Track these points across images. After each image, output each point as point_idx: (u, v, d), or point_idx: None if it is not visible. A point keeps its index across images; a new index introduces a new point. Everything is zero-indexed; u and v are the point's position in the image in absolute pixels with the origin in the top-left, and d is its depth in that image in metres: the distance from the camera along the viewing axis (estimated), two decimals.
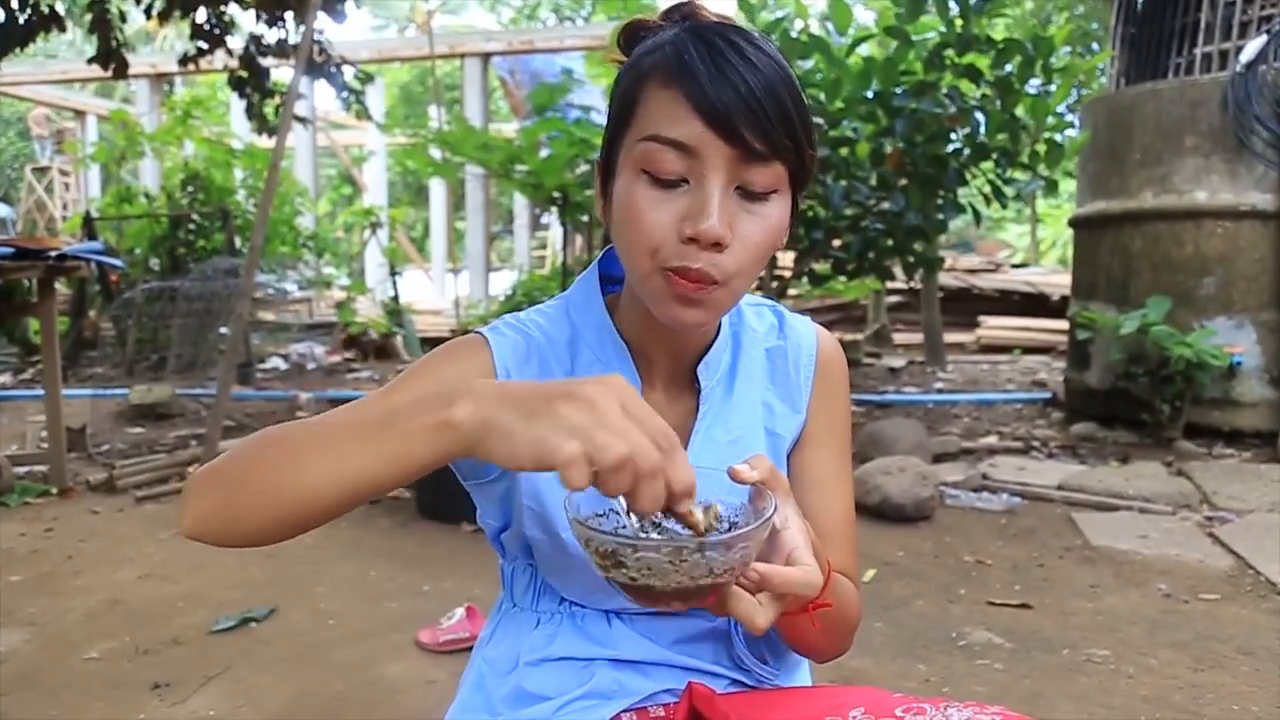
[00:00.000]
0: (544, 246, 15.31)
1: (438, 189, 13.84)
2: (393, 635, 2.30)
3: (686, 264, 0.72)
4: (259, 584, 2.66)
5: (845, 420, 0.94)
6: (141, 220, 7.84)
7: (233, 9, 5.70)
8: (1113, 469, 3.89)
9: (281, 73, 6.14)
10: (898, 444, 3.87)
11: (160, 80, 12.82)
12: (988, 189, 4.23)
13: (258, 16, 5.69)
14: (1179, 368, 4.10)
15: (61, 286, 6.89)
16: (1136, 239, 4.59)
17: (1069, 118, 4.61)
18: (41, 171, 13.47)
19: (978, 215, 4.40)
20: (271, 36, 5.75)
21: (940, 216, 4.29)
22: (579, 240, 6.56)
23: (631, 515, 0.61)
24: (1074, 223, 5.22)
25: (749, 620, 0.66)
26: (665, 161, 0.72)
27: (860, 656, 2.12)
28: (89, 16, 5.22)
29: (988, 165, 4.20)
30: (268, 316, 9.16)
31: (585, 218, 5.46)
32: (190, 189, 8.02)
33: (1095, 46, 12.88)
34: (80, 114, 14.40)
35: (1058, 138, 4.14)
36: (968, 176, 4.20)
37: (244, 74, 5.83)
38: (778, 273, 4.89)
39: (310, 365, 7.44)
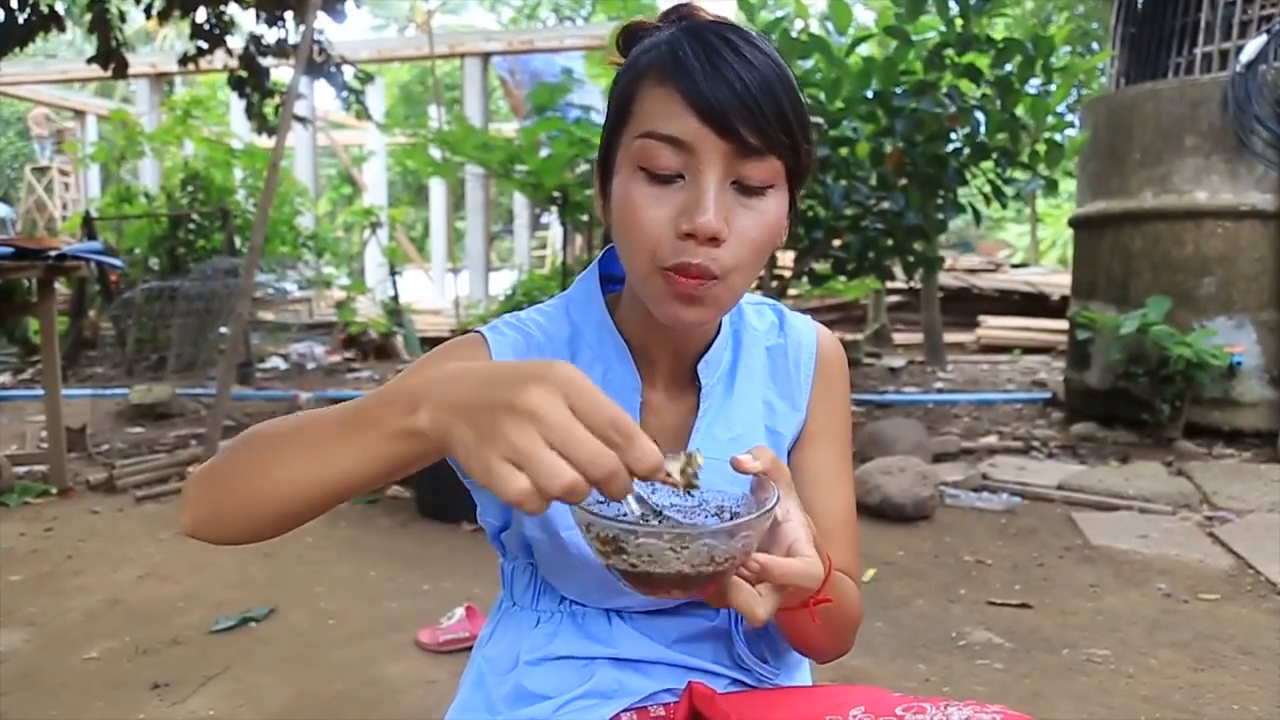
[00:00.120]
0: (544, 246, 15.31)
1: (437, 189, 13.84)
2: (393, 635, 2.30)
3: (685, 260, 0.72)
4: (259, 584, 2.66)
5: (845, 418, 0.94)
6: (141, 220, 7.84)
7: (232, 9, 5.70)
8: (1113, 469, 3.89)
9: (281, 72, 6.14)
10: (898, 444, 3.87)
11: (160, 80, 12.82)
12: (988, 189, 4.23)
13: (257, 16, 5.69)
14: (1179, 368, 4.10)
15: (61, 286, 6.89)
16: (1136, 239, 4.59)
17: (1069, 117, 4.61)
18: (41, 171, 13.47)
19: (978, 215, 4.40)
20: (271, 36, 5.75)
21: (940, 216, 4.28)
22: (579, 240, 6.56)
23: (634, 503, 0.60)
24: (1074, 222, 5.22)
25: (749, 611, 0.66)
26: (661, 157, 0.73)
27: (860, 656, 2.12)
28: (89, 16, 5.22)
29: (988, 165, 4.20)
30: (267, 316, 9.16)
31: (585, 217, 5.46)
32: (190, 189, 8.02)
33: (1095, 46, 12.88)
34: (80, 114, 14.40)
35: (1058, 137, 4.13)
36: (968, 176, 4.19)
37: (244, 74, 5.83)
38: (778, 272, 4.89)
39: (310, 365, 7.44)
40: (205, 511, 0.69)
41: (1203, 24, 4.74)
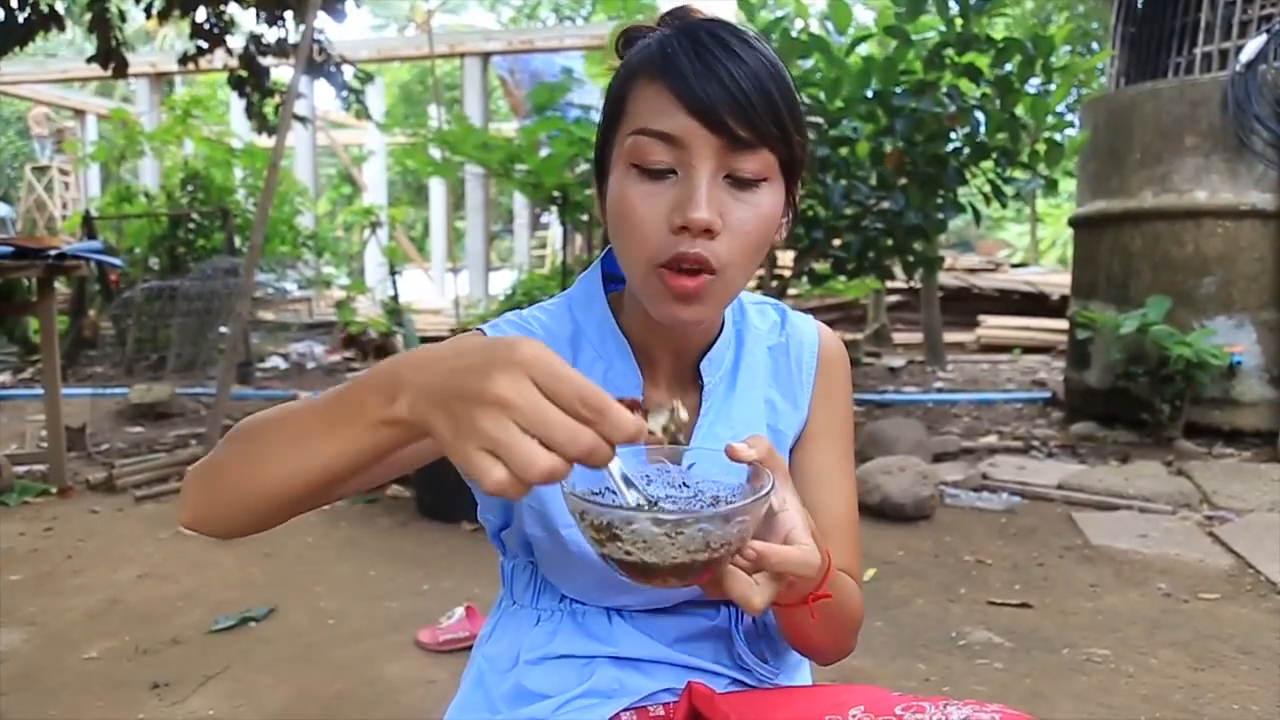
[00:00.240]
0: (544, 246, 15.30)
1: (437, 188, 13.84)
2: (392, 635, 2.30)
3: (681, 250, 0.73)
4: (258, 583, 2.66)
5: (847, 418, 0.94)
6: (141, 219, 7.84)
7: (232, 8, 5.70)
8: (1113, 468, 3.89)
9: (281, 72, 6.14)
10: (898, 443, 3.87)
11: (160, 79, 12.82)
12: (987, 188, 4.22)
13: (257, 16, 5.68)
14: (1179, 367, 4.10)
15: (61, 286, 6.89)
16: (1136, 238, 4.59)
17: (1069, 117, 4.60)
18: (41, 171, 13.47)
19: (977, 215, 4.39)
20: (271, 36, 5.75)
21: (940, 216, 4.28)
22: (579, 240, 6.56)
23: (630, 494, 0.60)
24: (1074, 222, 5.22)
25: (745, 600, 0.66)
26: (653, 153, 0.73)
27: (860, 656, 2.12)
28: (88, 15, 5.22)
29: (987, 164, 4.19)
30: (267, 316, 9.17)
31: (585, 217, 5.46)
32: (190, 188, 8.01)
33: (1095, 46, 12.87)
34: (80, 113, 14.40)
35: (1057, 137, 4.13)
36: (967, 176, 4.19)
37: (244, 73, 5.83)
38: (777, 272, 4.89)
39: (310, 364, 7.44)
40: (202, 505, 0.70)
41: (1203, 24, 4.74)
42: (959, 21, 3.85)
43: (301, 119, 5.62)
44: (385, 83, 15.50)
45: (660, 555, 0.59)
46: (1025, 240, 19.50)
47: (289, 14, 5.63)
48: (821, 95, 3.96)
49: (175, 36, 14.90)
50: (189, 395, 5.58)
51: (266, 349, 7.94)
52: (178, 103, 8.82)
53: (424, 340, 8.28)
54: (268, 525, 0.69)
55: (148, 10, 5.31)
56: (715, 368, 0.87)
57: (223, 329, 6.41)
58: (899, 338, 8.98)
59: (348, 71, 6.04)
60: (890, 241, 4.40)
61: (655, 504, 0.64)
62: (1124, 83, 5.18)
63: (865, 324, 8.97)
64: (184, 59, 5.69)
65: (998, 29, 4.94)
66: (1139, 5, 5.18)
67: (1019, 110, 4.00)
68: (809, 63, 4.02)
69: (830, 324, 0.97)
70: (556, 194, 5.08)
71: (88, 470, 3.85)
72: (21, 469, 3.78)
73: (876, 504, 3.24)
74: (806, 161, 0.80)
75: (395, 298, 9.04)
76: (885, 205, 4.18)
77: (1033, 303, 9.61)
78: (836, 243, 4.49)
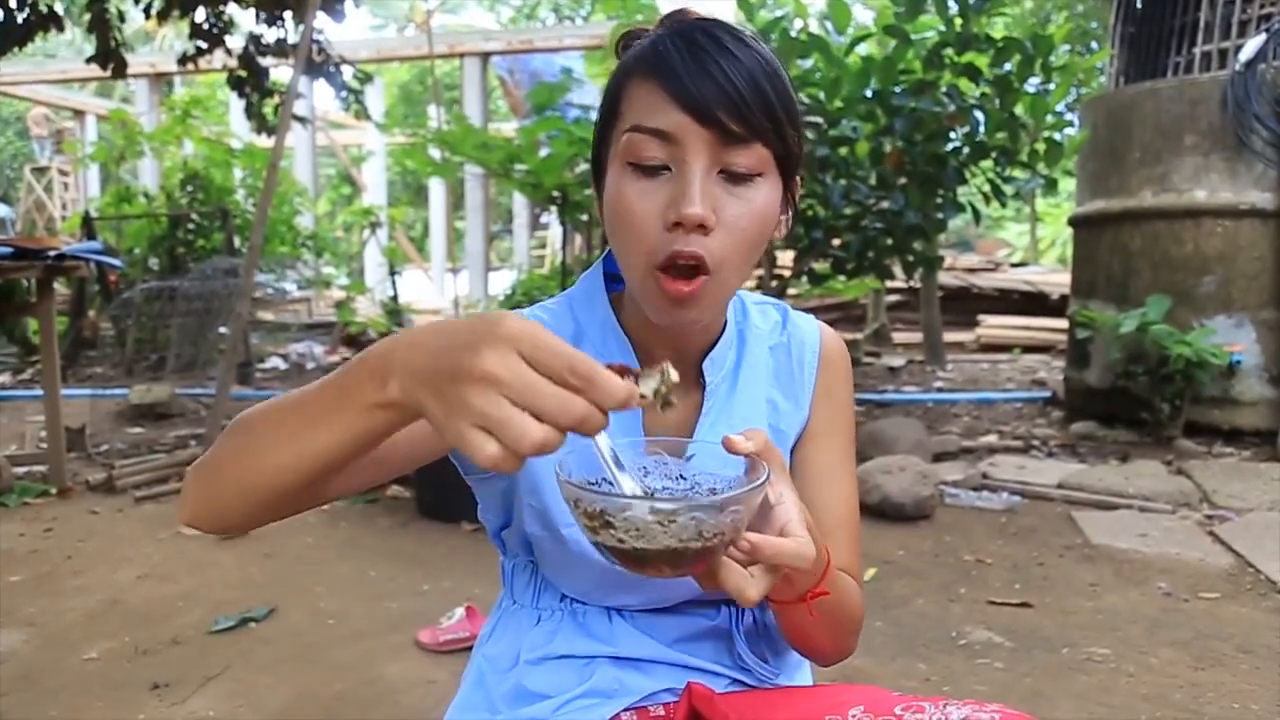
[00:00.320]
0: (543, 246, 15.30)
1: (437, 188, 13.84)
2: (393, 635, 2.30)
3: (676, 248, 0.73)
4: (258, 584, 2.66)
5: (848, 417, 0.94)
6: (141, 220, 7.83)
7: (232, 8, 5.70)
8: (1112, 468, 3.89)
9: (280, 72, 6.14)
10: (898, 443, 3.87)
11: (159, 80, 12.81)
12: (987, 188, 4.22)
13: (257, 16, 5.69)
14: (1179, 366, 4.10)
15: (60, 286, 6.89)
16: (1136, 238, 4.59)
17: (1068, 116, 4.61)
18: (40, 171, 13.47)
19: (977, 214, 4.39)
20: (270, 36, 5.75)
21: (939, 215, 4.28)
22: (578, 240, 6.55)
23: (622, 477, 0.60)
24: (1073, 221, 5.22)
25: (739, 592, 0.65)
26: (647, 150, 0.74)
27: (860, 655, 2.12)
28: (88, 16, 5.22)
29: (987, 164, 4.20)
30: (267, 316, 9.16)
31: (585, 217, 5.45)
32: (189, 189, 8.01)
33: (1094, 45, 12.88)
34: (79, 114, 14.40)
35: (1057, 136, 4.13)
36: (967, 175, 4.19)
37: (243, 73, 5.83)
38: (777, 272, 4.88)
39: (310, 365, 7.43)
40: (201, 501, 0.70)
41: (1202, 23, 4.74)
42: (958, 21, 3.86)
43: (301, 119, 5.62)
44: (384, 83, 15.50)
45: (652, 543, 0.59)
46: (1025, 240, 19.50)
47: (288, 14, 5.63)
48: (821, 95, 3.96)
49: (174, 37, 14.89)
50: (189, 396, 5.58)
51: (266, 349, 7.93)
52: (177, 103, 8.82)
53: None
54: (266, 519, 0.68)
55: (147, 10, 5.32)
56: (717, 367, 0.87)
57: (222, 329, 6.41)
58: (899, 337, 8.98)
59: (347, 72, 6.04)
60: (890, 241, 4.40)
61: (652, 495, 0.64)
62: (1123, 82, 5.18)
63: (865, 324, 8.97)
64: (183, 59, 5.69)
65: (997, 28, 4.94)
66: (1138, 5, 5.18)
67: (1018, 110, 4.00)
68: (808, 62, 4.02)
69: (830, 324, 0.97)
70: (556, 194, 5.08)
71: (87, 471, 3.85)
72: (21, 470, 3.78)
73: (876, 503, 3.24)
74: (803, 157, 0.80)
75: (395, 298, 9.04)
76: (885, 205, 4.18)
77: (1032, 302, 9.61)
78: (836, 242, 4.49)
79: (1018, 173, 4.21)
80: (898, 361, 7.57)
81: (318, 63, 5.73)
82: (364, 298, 9.99)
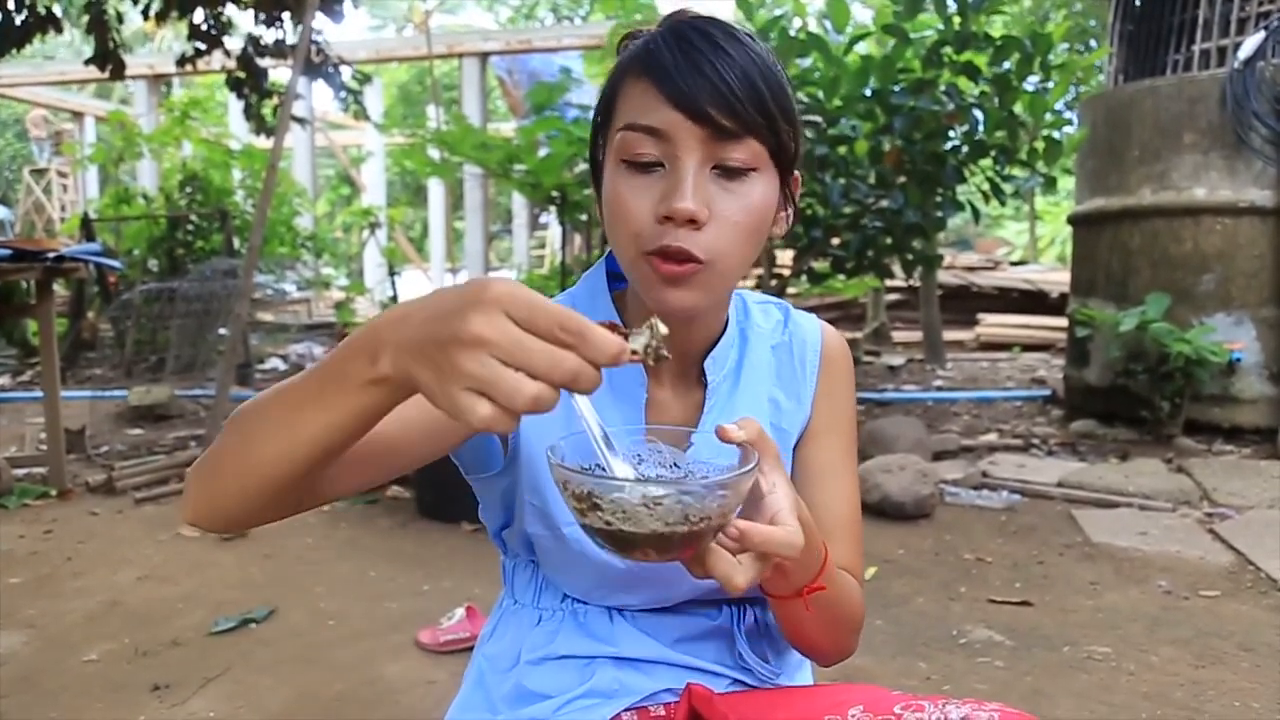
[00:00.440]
0: (543, 246, 15.31)
1: (436, 189, 13.84)
2: (393, 635, 2.30)
3: (666, 243, 0.73)
4: (258, 584, 2.66)
5: (850, 416, 0.94)
6: (140, 221, 7.82)
7: (230, 9, 5.70)
8: (1112, 466, 3.89)
9: (279, 73, 6.14)
10: (898, 442, 3.87)
11: (158, 81, 12.81)
12: (986, 186, 4.22)
13: (255, 17, 5.68)
14: (1178, 364, 4.10)
15: (60, 288, 6.89)
16: (1135, 236, 4.59)
17: (1067, 115, 4.61)
18: (39, 173, 13.47)
19: (976, 213, 4.39)
20: (269, 37, 5.75)
21: (939, 214, 4.28)
22: (578, 240, 6.55)
23: (611, 457, 0.60)
24: (1073, 220, 5.21)
25: (727, 579, 0.65)
26: (640, 147, 0.74)
27: (861, 655, 2.12)
28: (86, 17, 5.22)
29: (986, 162, 4.19)
30: (266, 317, 9.16)
31: (584, 217, 5.45)
32: (188, 190, 8.00)
33: (1093, 43, 12.88)
34: (78, 115, 14.41)
35: (1056, 135, 4.13)
36: (966, 174, 4.19)
37: (242, 74, 5.83)
38: (777, 270, 4.89)
39: (309, 366, 7.42)
40: (202, 499, 0.69)
41: (1201, 21, 4.74)
42: (957, 19, 3.85)
43: (300, 120, 5.62)
44: (383, 83, 15.49)
45: (639, 526, 0.59)
46: (1024, 238, 19.51)
47: (286, 15, 5.63)
48: (820, 94, 3.96)
49: (173, 38, 14.90)
50: (188, 397, 5.58)
51: (266, 350, 7.93)
52: (176, 104, 8.81)
53: None
54: (267, 514, 0.68)
55: (145, 12, 5.32)
56: (719, 366, 0.87)
57: (222, 330, 6.40)
58: (898, 336, 8.98)
59: (346, 72, 6.05)
60: (889, 240, 4.40)
61: (645, 481, 0.64)
62: (1122, 80, 5.18)
63: (864, 322, 8.97)
64: (182, 60, 5.69)
65: (996, 27, 4.94)
66: (1137, 2, 5.18)
67: (1017, 108, 4.00)
68: (807, 61, 4.02)
69: (830, 322, 0.97)
70: (555, 194, 5.07)
71: (87, 472, 3.85)
72: (21, 471, 3.77)
73: (876, 502, 3.24)
74: (801, 152, 0.80)
75: (394, 298, 9.04)
76: (884, 204, 4.18)
77: (1032, 300, 9.61)
78: (835, 241, 4.49)
79: (1017, 171, 4.21)
80: (897, 360, 7.57)
81: (316, 63, 5.73)
82: (363, 298, 10.00)
